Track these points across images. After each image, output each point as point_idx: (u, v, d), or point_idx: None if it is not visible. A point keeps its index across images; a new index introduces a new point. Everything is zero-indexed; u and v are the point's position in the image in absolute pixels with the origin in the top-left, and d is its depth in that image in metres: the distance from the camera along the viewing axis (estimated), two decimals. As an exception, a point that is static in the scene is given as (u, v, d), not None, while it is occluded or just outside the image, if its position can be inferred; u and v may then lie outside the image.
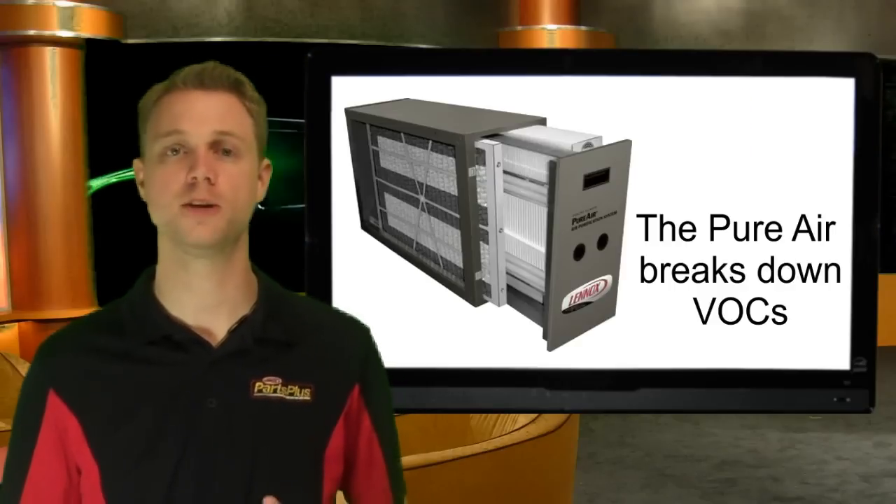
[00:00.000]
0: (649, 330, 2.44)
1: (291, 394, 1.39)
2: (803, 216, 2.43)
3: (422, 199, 2.78)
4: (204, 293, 1.38)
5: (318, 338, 1.45)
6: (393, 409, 1.53)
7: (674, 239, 2.43)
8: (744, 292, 2.44)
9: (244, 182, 1.37)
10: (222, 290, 1.39)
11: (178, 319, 1.38)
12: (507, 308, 2.55)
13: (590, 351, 2.44)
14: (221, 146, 1.35)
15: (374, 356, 1.51)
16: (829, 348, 2.44)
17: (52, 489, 1.38)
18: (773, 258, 2.44)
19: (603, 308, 2.45)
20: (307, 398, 1.39)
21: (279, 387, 1.38)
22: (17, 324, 7.39)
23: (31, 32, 7.32)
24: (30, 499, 1.38)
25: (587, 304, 2.44)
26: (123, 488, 1.35)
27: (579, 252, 2.39)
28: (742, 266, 2.43)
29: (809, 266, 2.44)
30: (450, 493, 3.26)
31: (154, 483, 1.34)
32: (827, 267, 2.44)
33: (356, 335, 1.50)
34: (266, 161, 1.44)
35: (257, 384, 1.38)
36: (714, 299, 2.44)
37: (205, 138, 1.34)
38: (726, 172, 2.42)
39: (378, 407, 1.48)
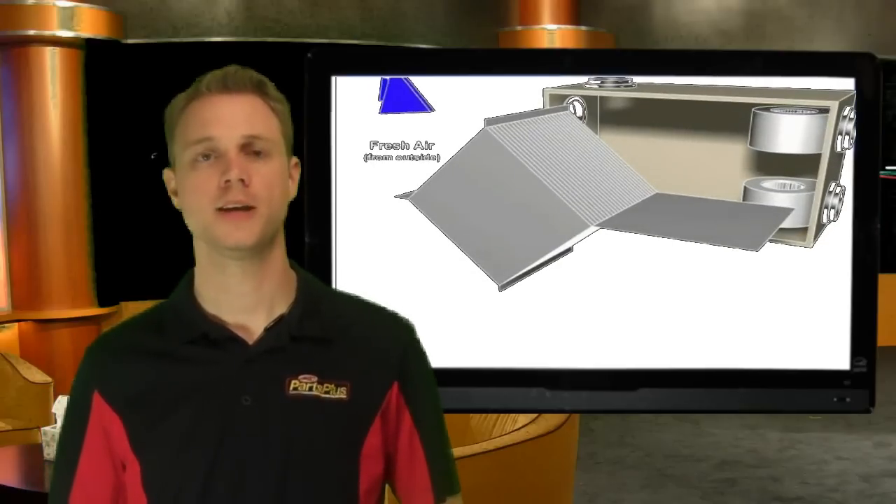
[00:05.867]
0: (649, 330, 2.44)
1: (327, 392, 1.39)
2: (803, 216, 2.43)
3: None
4: (242, 294, 1.40)
5: (356, 335, 1.45)
6: (440, 407, 1.51)
7: (674, 239, 2.43)
8: (744, 292, 2.44)
9: (277, 181, 1.38)
10: (260, 291, 1.40)
11: (215, 318, 1.40)
12: (507, 308, 2.55)
13: (590, 351, 2.44)
14: (251, 148, 1.36)
15: (416, 352, 1.50)
16: (829, 348, 2.44)
17: (99, 486, 1.42)
18: (772, 258, 2.44)
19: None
20: (343, 396, 1.39)
21: (315, 385, 1.39)
22: (17, 324, 7.37)
23: (31, 32, 7.29)
24: (78, 495, 1.42)
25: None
26: (161, 484, 1.38)
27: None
28: (742, 266, 2.43)
29: (809, 266, 2.43)
30: (450, 493, 3.25)
31: (190, 478, 1.36)
32: (827, 267, 2.44)
33: (396, 331, 1.50)
34: (295, 159, 1.44)
35: (293, 382, 1.38)
36: (714, 299, 2.44)
37: (235, 141, 1.35)
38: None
39: (420, 404, 1.47)
